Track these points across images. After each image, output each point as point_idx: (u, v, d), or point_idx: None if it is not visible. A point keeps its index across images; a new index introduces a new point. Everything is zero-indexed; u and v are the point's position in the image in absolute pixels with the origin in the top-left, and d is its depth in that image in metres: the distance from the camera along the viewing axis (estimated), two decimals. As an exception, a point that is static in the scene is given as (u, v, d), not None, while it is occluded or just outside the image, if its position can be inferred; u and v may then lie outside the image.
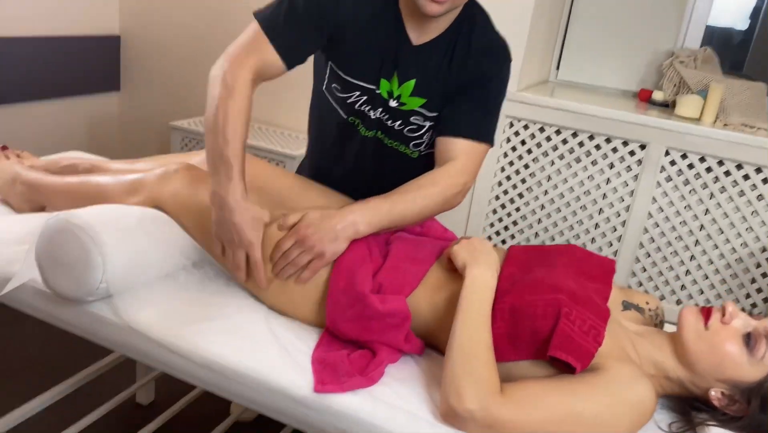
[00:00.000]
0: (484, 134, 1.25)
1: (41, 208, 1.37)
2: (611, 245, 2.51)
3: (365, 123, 1.32)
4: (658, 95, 2.64)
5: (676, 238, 2.40)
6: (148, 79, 3.19)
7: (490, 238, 2.69)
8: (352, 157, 1.38)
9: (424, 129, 1.30)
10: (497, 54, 1.27)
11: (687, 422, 1.00)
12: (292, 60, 1.20)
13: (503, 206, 2.63)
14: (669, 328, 1.21)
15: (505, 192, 2.61)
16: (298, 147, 2.71)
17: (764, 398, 0.93)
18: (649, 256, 2.46)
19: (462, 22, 1.23)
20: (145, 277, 1.13)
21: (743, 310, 1.02)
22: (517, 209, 2.60)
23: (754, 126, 2.33)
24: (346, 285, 1.06)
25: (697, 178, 2.32)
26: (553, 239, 2.58)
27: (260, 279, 1.11)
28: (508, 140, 2.55)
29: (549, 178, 2.53)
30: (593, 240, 2.53)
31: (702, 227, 2.36)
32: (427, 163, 1.31)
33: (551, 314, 0.96)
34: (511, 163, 2.57)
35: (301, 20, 1.17)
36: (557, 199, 2.53)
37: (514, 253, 1.16)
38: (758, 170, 2.24)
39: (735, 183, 2.28)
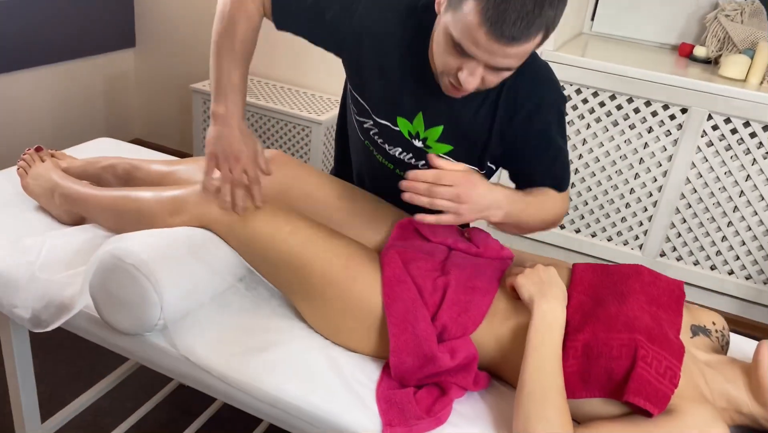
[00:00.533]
0: (563, 185, 1.22)
1: (81, 219, 1.33)
2: (646, 209, 2.47)
3: (382, 154, 1.27)
4: (700, 51, 2.52)
5: (714, 204, 2.35)
6: (165, 36, 3.08)
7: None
8: (370, 177, 1.35)
9: None
10: (550, 108, 1.17)
11: (756, 456, 0.99)
12: (285, 23, 1.20)
13: (536, 170, 2.57)
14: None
15: (538, 156, 2.54)
16: (325, 110, 2.62)
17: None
18: (684, 221, 2.42)
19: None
20: (199, 303, 1.10)
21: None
22: (550, 173, 2.54)
23: (803, 88, 2.23)
24: (411, 345, 1.02)
25: (739, 144, 2.24)
26: (586, 204, 2.53)
27: (257, 196, 1.12)
28: (542, 103, 2.46)
29: (584, 141, 2.46)
30: (628, 205, 2.48)
31: (742, 193, 2.30)
32: None
33: (627, 355, 0.93)
34: (545, 126, 2.49)
35: (319, 14, 1.14)
36: (592, 162, 2.47)
37: (580, 274, 1.12)
38: (805, 136, 2.16)
39: (780, 149, 2.21)
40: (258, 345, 1.06)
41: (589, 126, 2.42)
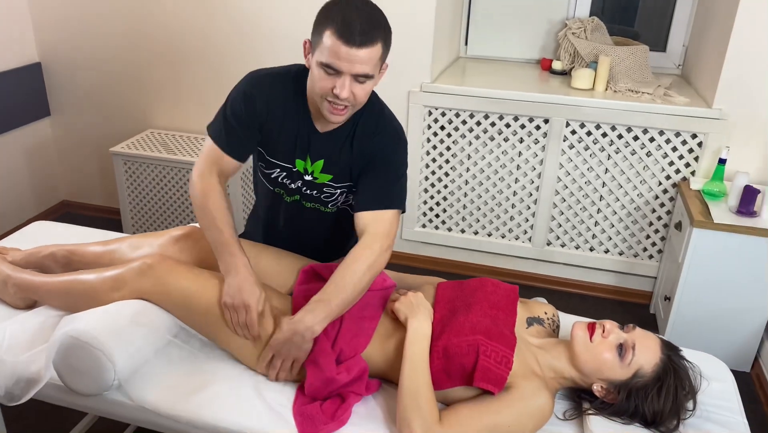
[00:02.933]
0: (390, 203, 1.48)
1: (33, 302, 1.57)
2: (529, 207, 2.84)
3: (287, 191, 1.62)
4: (557, 65, 2.93)
5: (583, 196, 2.75)
6: (77, 102, 3.25)
7: (424, 214, 2.98)
8: (283, 216, 1.68)
9: (336, 195, 1.59)
10: (391, 136, 1.53)
11: (577, 409, 1.34)
12: (242, 156, 1.56)
13: (433, 185, 2.91)
14: (565, 319, 1.54)
15: (433, 173, 2.88)
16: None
17: (629, 391, 1.27)
18: (562, 213, 2.81)
19: (360, 111, 1.48)
20: (144, 360, 1.37)
21: (619, 322, 1.35)
22: (445, 186, 2.89)
23: (638, 91, 2.65)
24: (318, 375, 1.32)
25: (594, 143, 2.64)
26: (479, 209, 2.89)
27: (254, 334, 1.40)
28: (429, 127, 2.80)
29: (469, 156, 2.81)
30: (513, 205, 2.85)
31: (604, 184, 2.70)
32: (339, 214, 1.64)
33: (472, 352, 1.26)
34: (435, 147, 2.83)
35: (236, 127, 1.51)
36: (478, 174, 2.82)
37: (442, 292, 1.46)
38: (645, 131, 2.58)
39: (627, 144, 2.61)
40: (197, 386, 1.34)
41: (470, 143, 2.78)
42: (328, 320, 1.38)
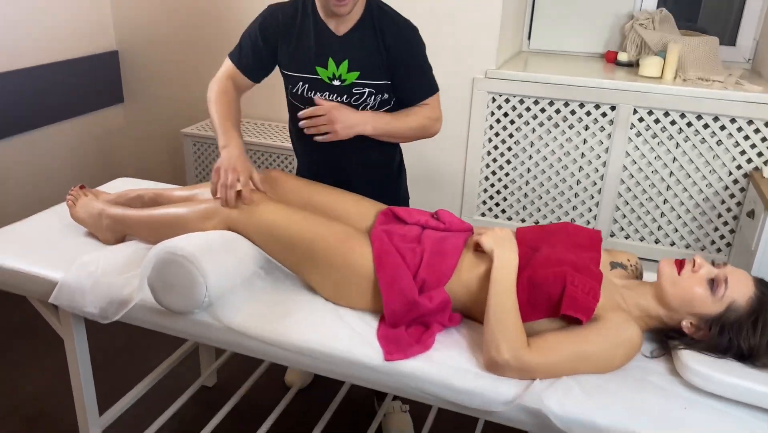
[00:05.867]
0: (430, 89, 1.72)
1: (123, 238, 1.63)
2: (592, 197, 2.81)
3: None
4: (623, 56, 2.92)
5: (649, 186, 2.71)
6: (150, 89, 3.39)
7: (484, 203, 2.98)
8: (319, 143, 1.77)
9: (365, 95, 1.67)
10: (409, 29, 1.68)
11: (664, 348, 1.32)
12: (252, 74, 1.76)
13: (494, 173, 2.91)
14: (648, 276, 1.52)
15: (494, 160, 2.89)
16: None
17: (722, 326, 1.25)
18: (627, 204, 2.78)
19: (371, 11, 1.64)
20: (233, 285, 1.41)
21: (710, 257, 1.33)
22: (507, 174, 2.89)
23: (709, 79, 2.62)
24: (398, 297, 1.33)
25: (663, 131, 2.62)
26: (541, 198, 2.88)
27: (246, 196, 1.47)
28: (492, 114, 2.82)
29: (532, 144, 2.81)
30: (577, 195, 2.83)
31: (671, 173, 2.67)
32: None
33: (559, 282, 1.26)
34: (497, 134, 2.84)
35: (252, 48, 1.71)
36: (541, 162, 2.82)
37: (522, 234, 1.46)
38: (715, 119, 2.54)
39: (696, 132, 2.58)
40: (282, 312, 1.37)
41: (534, 130, 2.78)
42: (378, 132, 1.65)
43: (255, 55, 1.71)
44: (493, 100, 2.80)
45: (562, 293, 1.25)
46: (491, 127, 2.84)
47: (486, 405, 1.20)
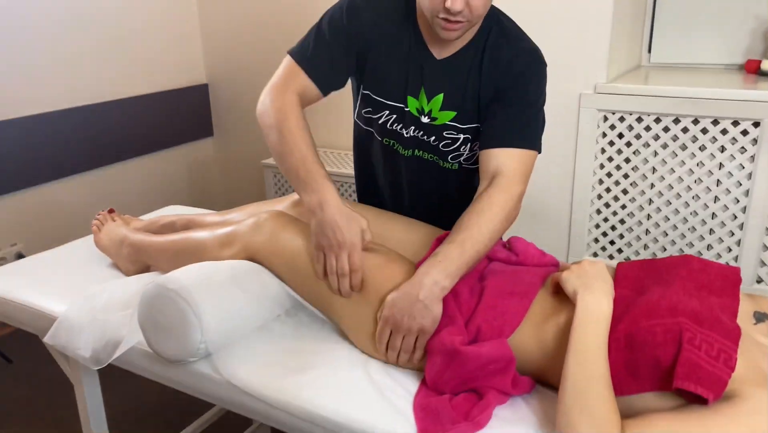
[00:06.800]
0: (528, 141, 1.22)
1: (146, 268, 1.42)
2: (732, 234, 2.31)
3: (401, 142, 1.34)
4: (767, 65, 2.42)
5: (808, 219, 2.17)
6: (238, 122, 3.31)
7: (596, 241, 2.55)
8: (399, 177, 1.40)
9: (459, 141, 1.29)
10: (530, 59, 1.25)
11: None
12: (325, 85, 1.27)
13: (607, 205, 2.49)
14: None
15: (608, 190, 2.47)
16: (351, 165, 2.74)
17: None
18: (778, 241, 2.25)
19: (487, 31, 1.23)
20: (242, 331, 1.13)
21: None
22: (623, 207, 2.45)
23: None
24: (437, 345, 1.01)
25: (825, 151, 2.09)
26: (666, 235, 2.40)
27: (356, 283, 1.10)
28: (604, 135, 2.42)
29: (654, 170, 2.36)
30: (711, 231, 2.33)
31: (838, 203, 2.12)
32: (468, 173, 1.36)
33: (672, 340, 0.87)
34: (611, 159, 2.43)
35: (329, 46, 1.24)
36: (665, 191, 2.36)
37: (624, 271, 1.07)
38: None
39: None
40: (299, 366, 1.07)
41: (656, 154, 2.34)
42: (458, 276, 1.07)
43: (338, 54, 1.25)
44: (605, 119, 2.39)
45: (676, 357, 0.86)
46: (603, 150, 2.43)
47: None
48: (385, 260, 1.12)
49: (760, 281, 2.32)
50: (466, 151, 1.31)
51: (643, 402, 0.90)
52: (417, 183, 1.40)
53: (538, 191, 2.56)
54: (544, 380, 1.04)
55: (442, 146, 1.30)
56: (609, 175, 2.45)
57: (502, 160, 1.18)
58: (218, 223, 1.43)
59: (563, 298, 1.03)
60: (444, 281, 1.05)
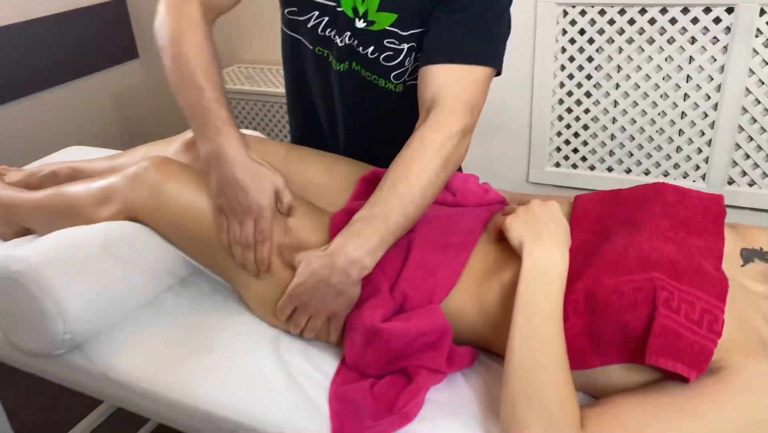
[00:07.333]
0: (478, 54, 0.95)
1: (26, 231, 1.19)
2: (703, 134, 2.14)
3: (335, 53, 1.08)
4: (742, -59, 2.16)
5: (784, 113, 2.01)
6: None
7: (558, 150, 2.36)
8: (332, 99, 1.15)
9: (403, 53, 1.03)
10: None
11: None
12: None
13: (569, 110, 2.29)
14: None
15: (570, 93, 2.26)
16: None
17: None
18: (751, 140, 2.09)
19: None
20: (121, 311, 0.93)
21: None
22: (586, 111, 2.26)
23: None
24: (356, 322, 0.81)
25: (804, 37, 1.90)
26: (633, 139, 2.23)
27: (262, 258, 0.89)
28: (564, 32, 2.19)
29: (618, 68, 2.15)
30: (681, 132, 2.16)
31: (816, 95, 1.95)
32: (414, 96, 1.04)
33: (644, 301, 0.68)
34: (572, 59, 2.21)
35: None
36: (632, 91, 2.16)
37: (583, 206, 0.87)
38: None
39: None
40: (193, 350, 0.88)
41: (621, 50, 2.12)
42: (385, 248, 0.84)
43: None
44: (565, 13, 2.16)
45: (649, 323, 0.68)
46: (563, 50, 2.20)
47: None
48: (299, 221, 0.91)
49: (731, 182, 2.18)
50: (411, 66, 1.06)
51: (607, 376, 0.73)
52: (354, 109, 1.15)
53: (495, 99, 2.34)
54: (488, 348, 0.86)
55: (383, 59, 1.05)
56: (570, 77, 2.24)
57: (443, 83, 0.93)
58: (105, 171, 1.19)
59: (509, 246, 0.84)
60: (363, 259, 0.83)
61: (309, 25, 1.06)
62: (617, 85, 2.18)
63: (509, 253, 0.84)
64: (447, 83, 0.92)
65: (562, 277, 0.76)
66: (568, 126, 2.31)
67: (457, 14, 0.95)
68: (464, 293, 0.84)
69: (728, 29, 1.97)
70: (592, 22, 2.12)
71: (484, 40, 0.97)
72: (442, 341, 0.80)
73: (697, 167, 2.20)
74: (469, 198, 0.98)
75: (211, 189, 0.91)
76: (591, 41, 2.15)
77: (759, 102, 2.02)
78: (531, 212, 0.83)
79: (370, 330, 0.79)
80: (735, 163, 2.15)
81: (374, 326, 0.78)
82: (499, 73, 1.00)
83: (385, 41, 1.02)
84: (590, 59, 2.18)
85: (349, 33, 1.03)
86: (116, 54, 3.00)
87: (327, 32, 1.05)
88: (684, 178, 2.23)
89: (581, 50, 2.18)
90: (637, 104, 2.18)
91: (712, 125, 2.12)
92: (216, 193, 0.90)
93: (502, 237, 0.85)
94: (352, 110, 1.14)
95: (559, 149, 2.38)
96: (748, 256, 0.81)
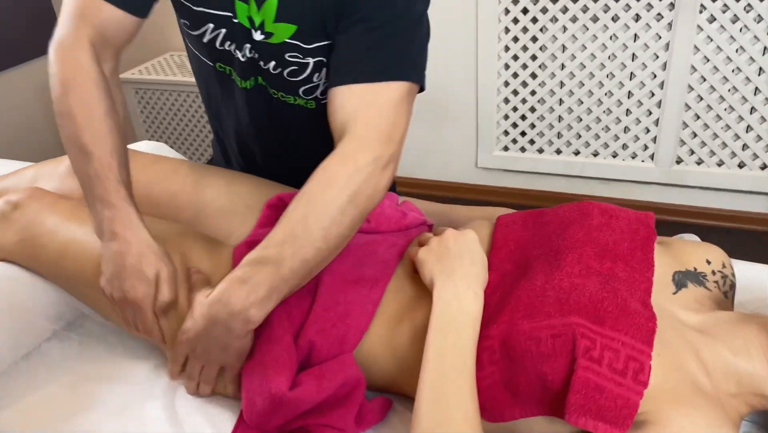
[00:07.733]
0: (390, 69, 0.83)
1: None
2: (650, 113, 2.10)
3: (237, 70, 0.97)
4: None
5: (729, 90, 1.97)
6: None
7: (506, 133, 2.30)
8: (241, 120, 1.04)
9: (309, 68, 0.92)
10: None
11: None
12: (136, 5, 0.88)
13: (515, 93, 2.23)
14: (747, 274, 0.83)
15: (515, 75, 2.20)
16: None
17: None
18: (698, 118, 2.05)
19: None
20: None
21: None
22: (533, 93, 2.19)
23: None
24: (255, 383, 0.73)
25: (748, 11, 1.85)
26: (580, 120, 2.18)
27: (155, 340, 0.80)
28: (507, 12, 2.11)
29: (563, 48, 2.09)
30: (628, 112, 2.12)
31: (761, 71, 1.92)
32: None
33: (562, 349, 0.61)
34: (516, 39, 2.13)
35: None
36: (577, 71, 2.10)
37: (503, 231, 0.79)
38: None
39: (800, 9, 1.80)
40: (77, 405, 0.78)
41: (565, 29, 2.05)
42: (277, 298, 0.74)
43: None
44: (506, -8, 2.07)
45: (569, 376, 0.60)
46: (507, 30, 2.13)
47: None
48: (196, 263, 0.81)
49: (679, 161, 2.15)
50: (321, 82, 0.94)
51: (530, 428, 0.66)
52: (267, 129, 1.04)
53: (439, 84, 2.27)
54: (401, 393, 0.79)
55: (287, 74, 0.94)
56: (515, 58, 2.17)
57: (353, 108, 0.82)
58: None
59: (424, 286, 0.76)
60: (248, 312, 0.72)
61: (205, 40, 0.94)
62: (562, 66, 2.12)
63: (423, 289, 0.76)
64: (357, 108, 0.81)
65: (475, 320, 0.68)
66: (515, 109, 2.25)
67: (364, 25, 0.83)
68: (376, 338, 0.76)
69: (672, 5, 1.92)
70: (535, 1, 2.05)
71: (396, 51, 0.84)
72: (353, 393, 0.73)
73: (646, 147, 2.16)
74: (384, 224, 0.89)
75: (103, 261, 0.80)
76: (534, 20, 2.08)
77: (705, 79, 1.98)
78: (444, 245, 0.74)
79: (276, 398, 0.70)
80: (683, 142, 2.12)
81: (281, 395, 0.70)
82: (422, 88, 0.89)
83: (286, 55, 0.91)
84: (534, 39, 2.11)
85: (249, 46, 0.92)
86: (39, 45, 2.82)
87: (227, 45, 0.94)
88: (633, 158, 2.20)
89: (525, 30, 2.11)
90: (584, 84, 2.12)
91: (659, 104, 2.08)
92: (104, 275, 0.80)
93: (416, 269, 0.77)
94: (266, 131, 1.03)
95: (506, 133, 2.31)
96: (681, 280, 0.75)
